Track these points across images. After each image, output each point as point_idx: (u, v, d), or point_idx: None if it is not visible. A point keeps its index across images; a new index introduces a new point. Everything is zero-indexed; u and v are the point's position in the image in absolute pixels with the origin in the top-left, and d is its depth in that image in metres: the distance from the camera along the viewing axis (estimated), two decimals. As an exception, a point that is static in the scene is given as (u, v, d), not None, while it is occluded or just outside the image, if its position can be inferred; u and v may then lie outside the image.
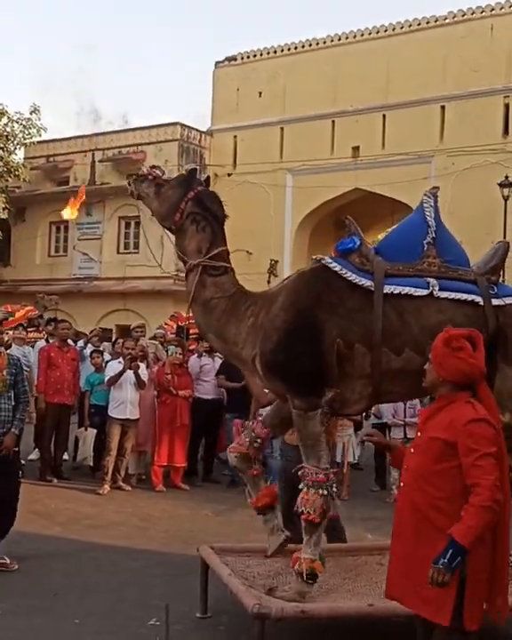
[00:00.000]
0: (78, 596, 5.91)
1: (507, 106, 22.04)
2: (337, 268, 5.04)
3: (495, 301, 5.12)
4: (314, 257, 5.32)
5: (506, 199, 20.33)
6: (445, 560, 3.37)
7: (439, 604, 3.50)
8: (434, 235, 5.16)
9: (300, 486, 5.01)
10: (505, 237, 18.51)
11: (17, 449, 6.64)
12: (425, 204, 5.26)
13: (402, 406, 10.03)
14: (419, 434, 3.87)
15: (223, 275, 5.30)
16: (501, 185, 20.36)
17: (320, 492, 4.94)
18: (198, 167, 6.16)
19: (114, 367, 10.21)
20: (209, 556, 5.45)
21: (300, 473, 5.05)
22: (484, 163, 21.75)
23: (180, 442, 10.23)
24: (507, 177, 20.47)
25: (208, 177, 5.64)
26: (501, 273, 5.55)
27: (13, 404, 6.53)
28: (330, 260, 5.12)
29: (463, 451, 3.53)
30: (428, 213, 5.22)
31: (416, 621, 3.74)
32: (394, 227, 5.64)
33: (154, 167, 5.54)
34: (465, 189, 21.22)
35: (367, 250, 5.19)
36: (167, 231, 5.48)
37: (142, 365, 10.27)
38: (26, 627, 5.26)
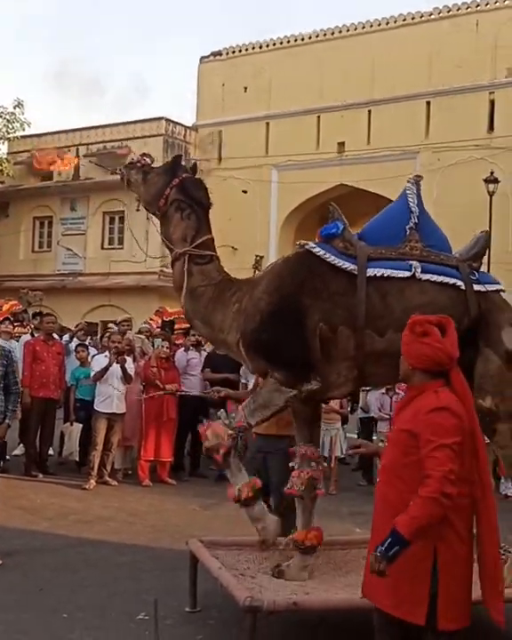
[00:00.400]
0: (67, 591, 5.83)
1: (492, 102, 22.13)
2: (320, 253, 5.10)
3: (477, 287, 5.17)
4: (298, 242, 5.39)
5: (491, 195, 20.39)
6: (383, 548, 3.27)
7: (413, 602, 3.40)
8: (416, 220, 5.21)
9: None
10: (490, 233, 18.58)
11: (5, 442, 6.63)
12: (408, 191, 5.33)
13: (388, 400, 10.04)
14: (392, 427, 3.81)
15: (209, 263, 5.36)
16: (487, 181, 20.40)
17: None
18: (182, 154, 6.17)
19: (100, 361, 10.13)
20: (198, 549, 5.40)
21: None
22: (469, 159, 21.82)
23: (167, 436, 10.15)
24: (492, 173, 20.53)
25: (195, 164, 5.67)
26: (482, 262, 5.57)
27: (3, 395, 6.49)
28: (313, 245, 5.19)
29: (422, 441, 3.42)
30: (411, 199, 5.28)
31: (382, 617, 3.60)
32: (377, 214, 5.69)
33: (144, 155, 5.65)
34: (450, 185, 21.26)
35: (350, 235, 5.24)
36: (153, 217, 5.57)
37: (129, 359, 10.19)
38: (13, 621, 5.18)
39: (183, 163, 5.63)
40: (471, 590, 3.52)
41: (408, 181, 5.38)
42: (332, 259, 5.09)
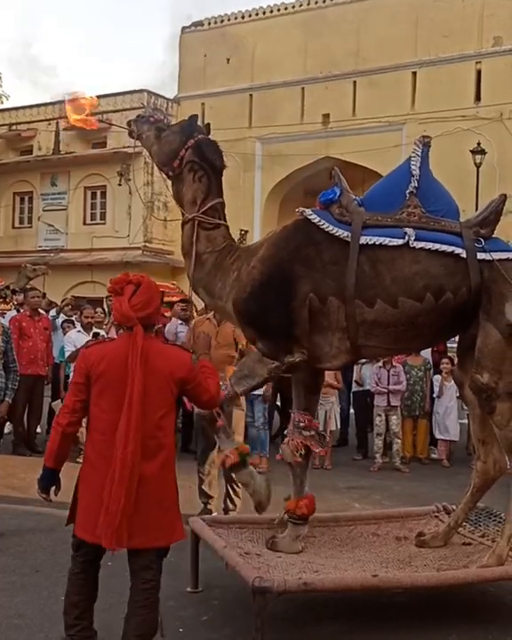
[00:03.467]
0: (64, 573, 5.57)
1: (478, 72, 21.83)
2: (316, 220, 4.99)
3: (481, 255, 4.94)
4: (297, 209, 5.25)
5: (478, 166, 20.21)
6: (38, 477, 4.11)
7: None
8: (416, 184, 5.04)
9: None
10: (477, 204, 18.39)
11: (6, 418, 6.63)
12: (412, 153, 5.17)
13: (385, 374, 9.88)
14: None
15: (216, 229, 5.24)
16: (473, 152, 20.21)
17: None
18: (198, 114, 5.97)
19: (73, 337, 9.92)
20: (201, 528, 5.23)
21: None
22: (455, 130, 21.56)
23: (158, 412, 9.95)
24: (479, 144, 20.33)
25: (208, 124, 5.50)
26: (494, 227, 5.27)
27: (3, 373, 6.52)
28: (310, 212, 5.07)
29: None
30: (413, 162, 5.11)
31: None
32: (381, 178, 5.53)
33: (156, 110, 5.51)
34: (437, 157, 20.54)
35: (348, 200, 5.09)
36: (164, 176, 5.45)
37: (106, 333, 10.06)
38: (7, 605, 5.01)
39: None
40: (100, 512, 3.77)
41: (414, 142, 5.20)
42: (326, 226, 4.96)
